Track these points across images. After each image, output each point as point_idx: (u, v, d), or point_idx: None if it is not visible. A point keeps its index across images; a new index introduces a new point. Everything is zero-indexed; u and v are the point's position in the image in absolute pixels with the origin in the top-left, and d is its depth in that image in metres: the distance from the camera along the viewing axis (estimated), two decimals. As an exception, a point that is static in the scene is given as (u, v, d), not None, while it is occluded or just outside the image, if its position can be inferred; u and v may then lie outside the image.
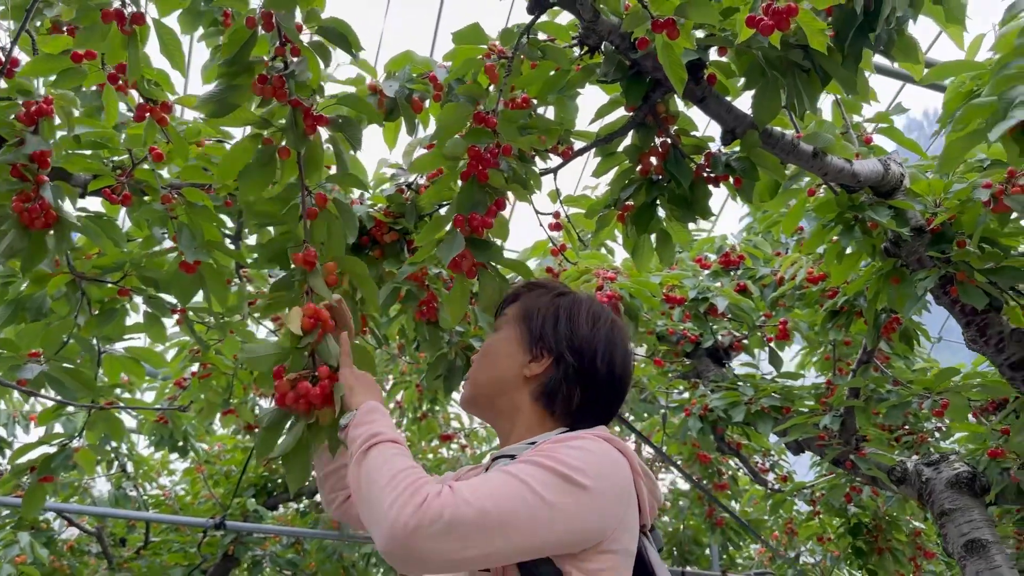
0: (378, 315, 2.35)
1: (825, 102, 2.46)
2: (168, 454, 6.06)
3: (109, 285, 2.39)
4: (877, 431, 3.37)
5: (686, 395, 4.22)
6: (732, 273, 3.57)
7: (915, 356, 3.87)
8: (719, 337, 3.71)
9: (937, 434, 4.19)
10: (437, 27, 4.65)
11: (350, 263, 1.49)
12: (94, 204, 2.51)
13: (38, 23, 2.14)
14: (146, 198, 2.11)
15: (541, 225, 2.29)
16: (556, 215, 2.25)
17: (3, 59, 1.88)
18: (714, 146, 2.07)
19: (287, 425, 1.30)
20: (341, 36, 1.58)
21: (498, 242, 1.67)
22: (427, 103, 1.99)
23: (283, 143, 1.56)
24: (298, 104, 1.51)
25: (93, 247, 2.43)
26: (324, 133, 1.62)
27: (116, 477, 5.85)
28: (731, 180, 2.02)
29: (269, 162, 1.55)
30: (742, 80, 1.95)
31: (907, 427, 4.02)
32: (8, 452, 4.85)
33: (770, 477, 4.89)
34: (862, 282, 2.56)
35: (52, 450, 2.53)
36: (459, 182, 1.72)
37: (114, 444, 5.15)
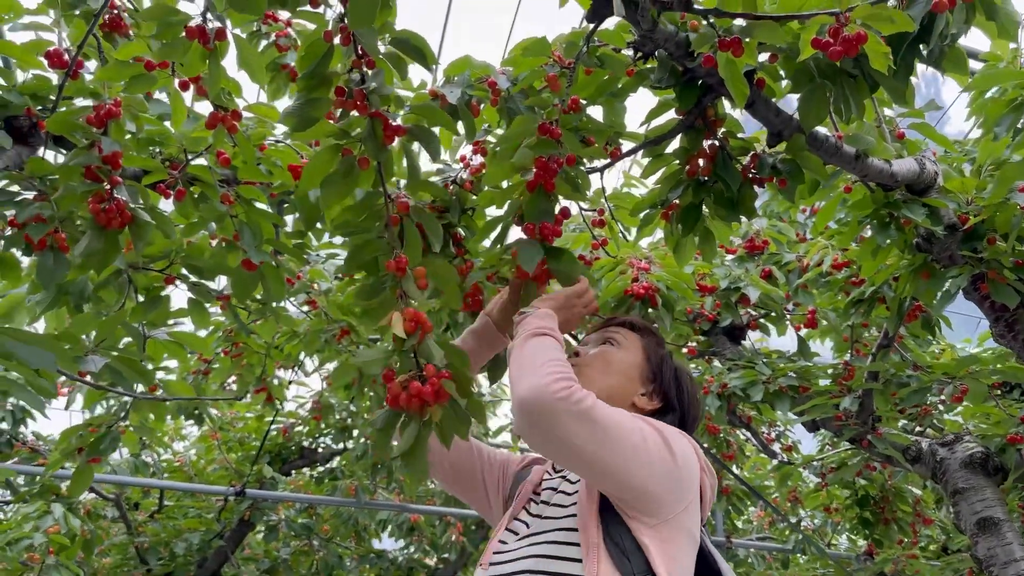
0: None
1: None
2: (182, 421, 6.17)
3: (155, 273, 2.45)
4: (889, 408, 3.47)
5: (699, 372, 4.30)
6: (756, 258, 3.64)
7: (927, 336, 3.96)
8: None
9: (941, 407, 4.30)
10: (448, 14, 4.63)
11: (439, 266, 1.56)
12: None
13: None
14: (191, 188, 2.14)
15: (585, 222, 2.35)
16: (601, 212, 2.31)
17: (68, 61, 1.91)
18: (758, 146, 2.12)
19: (399, 424, 1.36)
20: (416, 49, 1.60)
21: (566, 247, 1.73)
22: (482, 106, 2.03)
23: (362, 153, 1.59)
24: (378, 116, 1.55)
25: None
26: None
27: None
28: (775, 181, 2.08)
29: (350, 172, 1.59)
30: (786, 81, 2.00)
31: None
32: (30, 422, 4.92)
33: (775, 447, 5.02)
34: (889, 272, 2.62)
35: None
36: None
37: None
